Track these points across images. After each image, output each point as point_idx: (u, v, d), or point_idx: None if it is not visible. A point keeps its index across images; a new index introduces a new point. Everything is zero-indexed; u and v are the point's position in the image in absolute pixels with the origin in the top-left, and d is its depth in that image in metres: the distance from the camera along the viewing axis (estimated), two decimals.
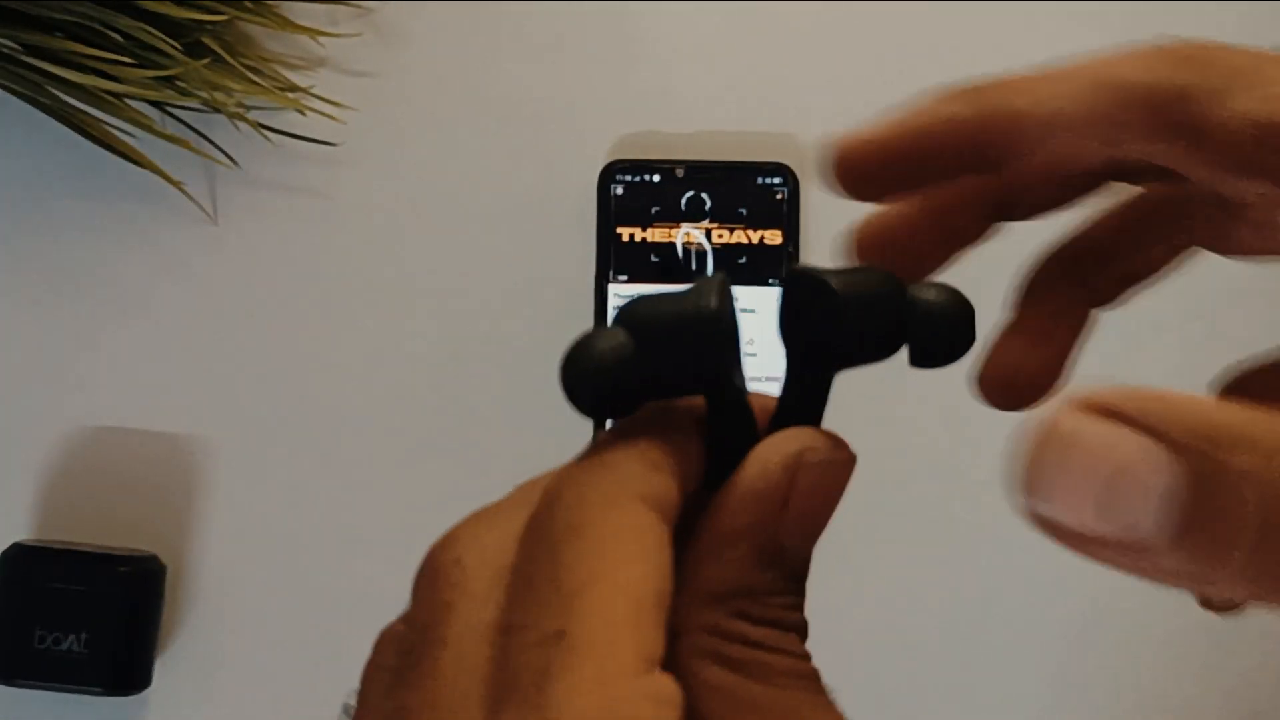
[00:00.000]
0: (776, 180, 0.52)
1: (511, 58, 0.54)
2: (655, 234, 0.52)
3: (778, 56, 0.54)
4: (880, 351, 0.21)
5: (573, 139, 0.53)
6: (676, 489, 0.20)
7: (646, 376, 0.19)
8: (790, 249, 0.52)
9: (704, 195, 0.52)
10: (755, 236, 0.52)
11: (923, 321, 0.20)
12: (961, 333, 0.21)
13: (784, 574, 0.20)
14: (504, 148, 0.53)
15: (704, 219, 0.52)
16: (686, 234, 0.52)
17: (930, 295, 0.21)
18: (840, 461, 0.20)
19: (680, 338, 0.19)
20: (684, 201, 0.52)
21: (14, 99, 0.50)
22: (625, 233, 0.52)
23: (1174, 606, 0.51)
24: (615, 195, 0.52)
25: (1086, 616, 0.51)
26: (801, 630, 0.20)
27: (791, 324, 0.21)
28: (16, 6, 0.46)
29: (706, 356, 0.19)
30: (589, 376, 0.19)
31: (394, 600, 0.57)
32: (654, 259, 0.52)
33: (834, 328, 0.20)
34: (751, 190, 0.52)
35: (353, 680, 0.56)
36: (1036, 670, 0.50)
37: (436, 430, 0.52)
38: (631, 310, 0.20)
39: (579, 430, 0.51)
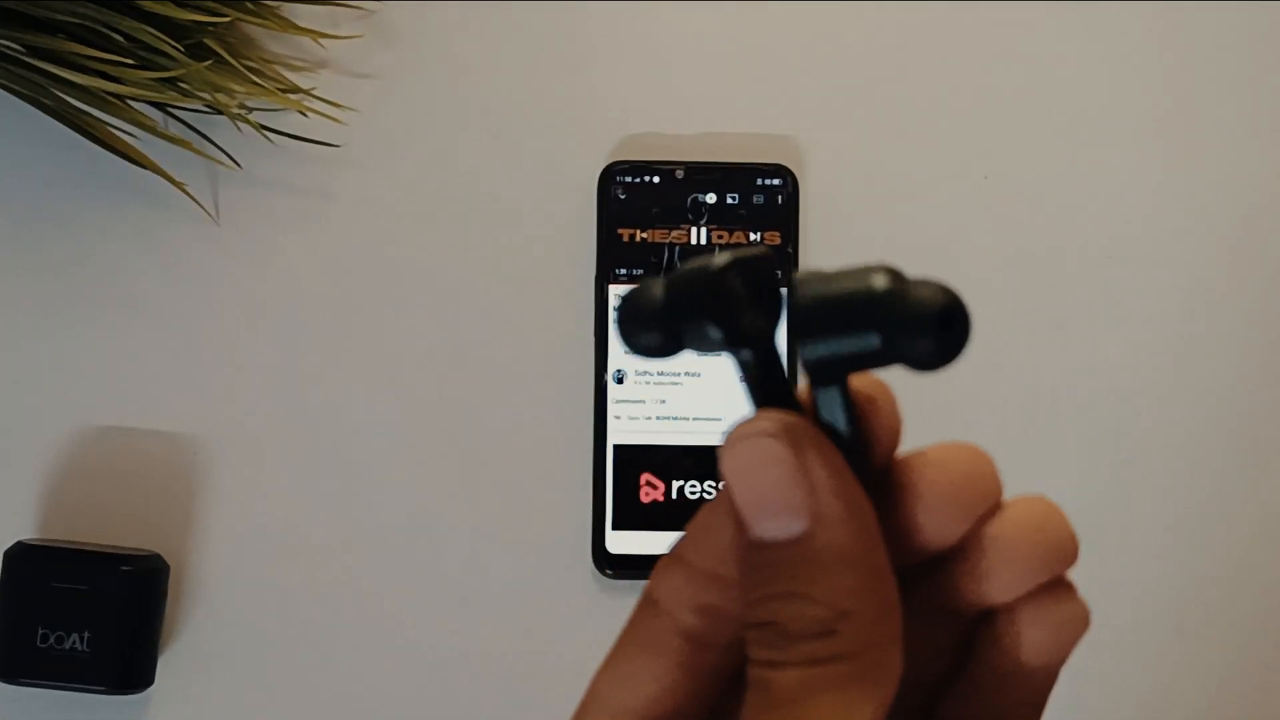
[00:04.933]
0: (776, 181, 0.52)
1: (513, 59, 0.54)
2: (655, 235, 0.52)
3: (778, 59, 0.54)
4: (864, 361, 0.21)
5: (573, 140, 0.53)
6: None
7: (672, 327, 0.22)
8: (790, 250, 0.52)
9: (704, 196, 0.52)
10: (755, 238, 0.52)
11: (907, 331, 0.20)
12: (950, 340, 0.20)
13: (760, 565, 0.21)
14: (505, 148, 0.54)
15: (704, 220, 0.52)
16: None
17: (914, 301, 0.20)
18: (748, 435, 0.21)
19: (690, 295, 0.22)
20: (684, 203, 0.52)
21: (16, 100, 0.50)
22: (625, 233, 0.52)
23: (1182, 606, 0.51)
24: (615, 196, 0.52)
25: (1103, 616, 0.51)
26: (808, 622, 0.21)
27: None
28: (19, 8, 0.47)
29: (705, 315, 0.21)
30: (623, 321, 0.23)
31: (397, 599, 0.57)
32: (654, 260, 0.52)
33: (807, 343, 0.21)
34: (751, 191, 0.52)
35: (353, 679, 0.57)
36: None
37: (437, 430, 0.52)
38: (674, 271, 0.22)
39: (578, 431, 0.52)
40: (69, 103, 0.50)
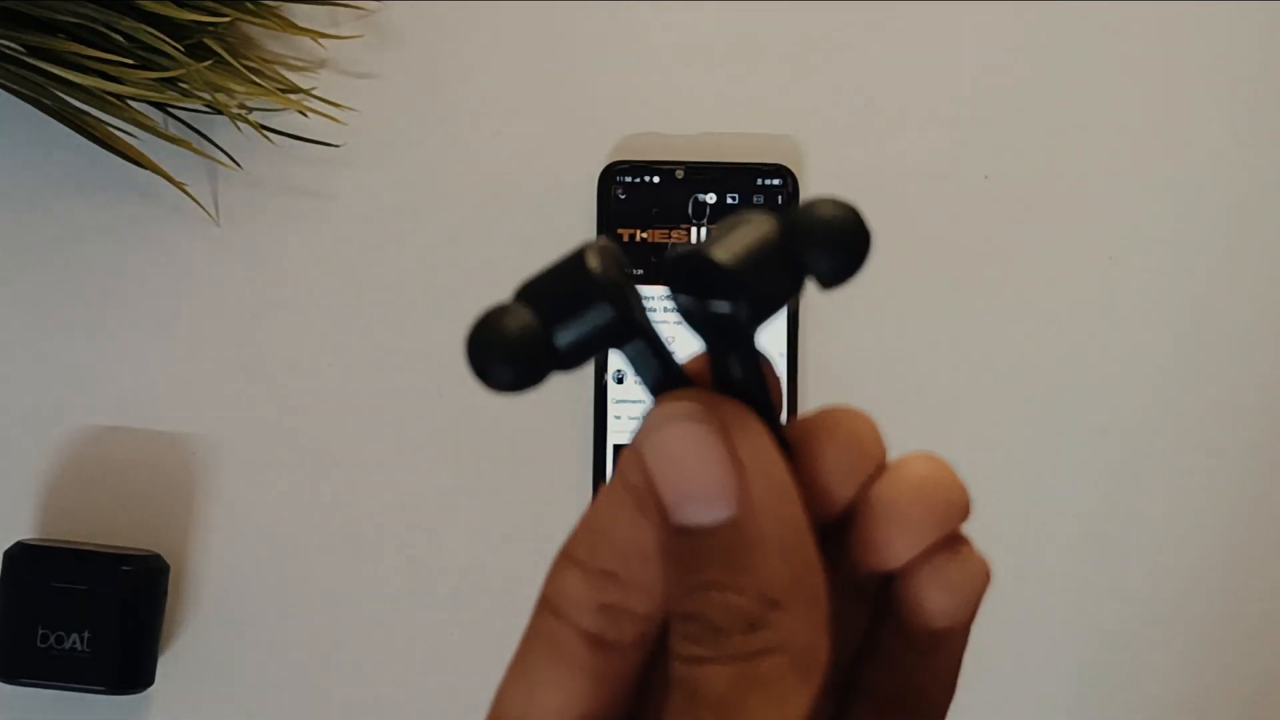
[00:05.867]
0: (776, 182, 0.52)
1: (512, 59, 0.54)
2: (655, 235, 0.52)
3: (778, 59, 0.54)
4: (784, 298, 0.21)
5: (573, 140, 0.53)
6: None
7: (553, 349, 0.21)
8: None
9: (704, 196, 0.52)
10: None
11: (815, 252, 0.20)
12: (855, 250, 0.20)
13: (685, 554, 0.20)
14: (505, 148, 0.54)
15: (704, 220, 0.52)
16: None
17: (815, 219, 0.20)
18: (672, 419, 0.21)
19: (577, 304, 0.20)
20: (684, 203, 0.52)
21: (17, 100, 0.50)
22: (625, 233, 0.52)
23: (1181, 605, 0.51)
24: (616, 196, 0.53)
25: (1102, 613, 0.51)
26: (737, 615, 0.20)
27: (690, 312, 0.21)
28: (19, 8, 0.47)
29: (602, 317, 0.20)
30: (503, 358, 0.21)
31: (396, 599, 0.57)
32: (654, 260, 0.52)
33: (733, 305, 0.20)
34: (751, 191, 0.52)
35: (353, 679, 0.57)
36: (1047, 666, 0.51)
37: (437, 430, 0.52)
38: (528, 285, 0.21)
39: (579, 432, 0.52)
40: (69, 103, 0.50)
